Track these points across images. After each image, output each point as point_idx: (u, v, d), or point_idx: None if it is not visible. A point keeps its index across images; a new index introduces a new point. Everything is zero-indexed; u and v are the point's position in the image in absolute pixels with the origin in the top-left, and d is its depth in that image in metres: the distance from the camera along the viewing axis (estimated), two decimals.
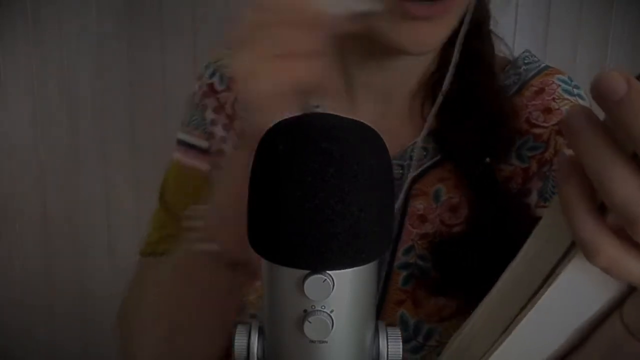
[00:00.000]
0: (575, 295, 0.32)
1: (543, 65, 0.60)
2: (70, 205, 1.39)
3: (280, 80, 0.36)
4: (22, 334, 1.45)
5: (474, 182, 0.56)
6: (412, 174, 0.57)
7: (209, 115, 0.62)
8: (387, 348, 0.30)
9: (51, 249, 1.41)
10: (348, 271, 0.27)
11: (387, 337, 0.30)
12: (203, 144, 0.63)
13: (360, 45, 0.56)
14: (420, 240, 0.57)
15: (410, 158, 0.58)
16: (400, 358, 0.30)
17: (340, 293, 0.27)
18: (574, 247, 0.30)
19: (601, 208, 0.26)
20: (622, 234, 0.26)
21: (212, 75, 0.64)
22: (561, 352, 0.36)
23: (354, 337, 0.28)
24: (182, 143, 0.65)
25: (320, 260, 0.26)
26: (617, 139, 0.24)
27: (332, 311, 0.27)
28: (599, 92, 0.24)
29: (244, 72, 0.36)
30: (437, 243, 0.56)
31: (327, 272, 0.26)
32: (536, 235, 0.33)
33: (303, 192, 0.25)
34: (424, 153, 0.58)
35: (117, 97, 1.34)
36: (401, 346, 0.30)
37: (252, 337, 0.29)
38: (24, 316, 1.44)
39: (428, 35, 0.49)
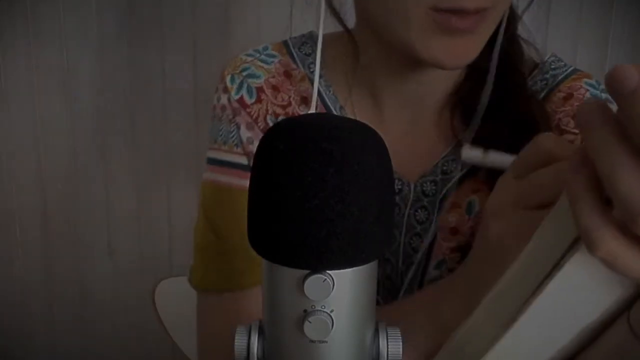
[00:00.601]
0: (578, 290, 0.32)
1: (570, 69, 0.59)
2: (70, 205, 1.39)
3: None
4: (22, 334, 1.45)
5: None
6: (446, 188, 0.56)
7: (244, 133, 0.58)
8: (387, 348, 0.30)
9: (51, 249, 1.41)
10: (348, 271, 0.27)
11: (387, 337, 0.30)
12: (243, 160, 0.59)
13: (389, 58, 0.55)
14: (452, 254, 0.56)
15: (443, 172, 0.57)
16: (400, 358, 0.30)
17: (340, 293, 0.27)
18: (578, 241, 0.30)
19: (608, 203, 0.27)
20: (626, 229, 0.26)
21: (240, 87, 0.59)
22: (567, 354, 0.36)
23: (354, 337, 0.28)
24: (220, 163, 0.59)
25: (320, 260, 0.26)
26: (627, 133, 0.24)
27: (332, 311, 0.27)
28: (611, 85, 0.24)
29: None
30: (467, 254, 0.55)
31: (327, 272, 0.26)
32: (542, 228, 0.33)
33: (303, 192, 0.25)
34: (454, 165, 0.57)
35: (117, 97, 1.33)
36: (401, 346, 0.30)
37: (252, 337, 0.29)
38: (24, 316, 1.44)
39: (464, 49, 0.47)
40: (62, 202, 1.39)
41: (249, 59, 0.61)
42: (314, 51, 0.60)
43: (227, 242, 0.58)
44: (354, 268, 0.27)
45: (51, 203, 1.39)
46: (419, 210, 0.58)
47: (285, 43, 0.63)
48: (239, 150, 0.59)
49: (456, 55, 0.48)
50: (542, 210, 0.36)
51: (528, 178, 0.38)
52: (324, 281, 0.26)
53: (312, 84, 0.58)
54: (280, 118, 0.58)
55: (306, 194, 0.25)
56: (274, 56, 0.61)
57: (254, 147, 0.58)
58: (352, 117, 0.58)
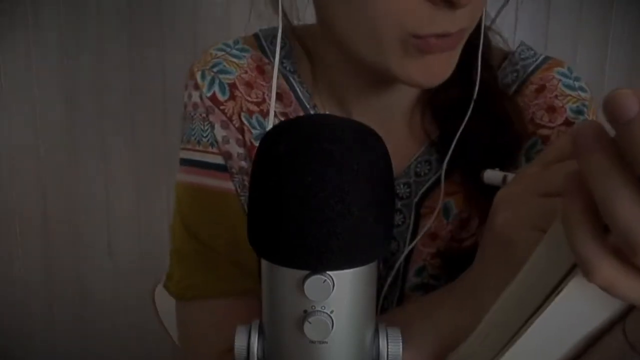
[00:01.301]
0: (576, 313, 0.32)
1: (541, 58, 0.57)
2: (70, 205, 1.39)
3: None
4: (22, 334, 1.45)
5: (484, 192, 0.50)
6: (421, 191, 0.55)
7: (219, 132, 0.56)
8: (387, 348, 0.30)
9: (51, 249, 1.41)
10: (348, 271, 0.27)
11: (387, 337, 0.30)
12: (219, 160, 0.56)
13: (356, 74, 0.53)
14: (432, 260, 0.55)
15: (416, 174, 0.55)
16: (400, 358, 0.30)
17: (340, 293, 0.27)
18: (576, 267, 0.30)
19: (603, 227, 0.26)
20: (622, 254, 0.25)
21: (212, 84, 0.56)
22: None
23: (354, 337, 0.28)
24: (194, 163, 0.57)
25: (320, 260, 0.26)
26: (626, 161, 0.24)
27: (332, 311, 0.27)
28: (610, 111, 0.23)
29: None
30: (448, 259, 0.54)
31: (327, 272, 0.26)
32: (539, 252, 0.32)
33: (303, 192, 0.25)
34: (428, 167, 0.55)
35: (117, 97, 1.33)
36: (401, 346, 0.30)
37: (252, 337, 0.29)
38: (24, 316, 1.44)
39: (441, 68, 0.47)
40: (62, 202, 1.39)
41: (220, 53, 0.58)
42: (287, 44, 0.58)
43: (209, 247, 0.55)
44: (354, 268, 0.27)
45: (51, 203, 1.39)
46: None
47: (256, 36, 0.60)
48: (215, 150, 0.56)
49: (434, 74, 0.47)
50: (556, 199, 0.35)
51: (556, 165, 0.37)
52: (324, 282, 0.26)
53: (286, 80, 0.56)
54: (255, 116, 0.56)
55: (306, 194, 0.25)
56: (245, 50, 0.58)
57: (230, 147, 0.56)
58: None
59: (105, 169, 1.37)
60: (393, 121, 0.57)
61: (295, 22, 0.60)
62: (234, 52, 0.58)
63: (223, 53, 0.58)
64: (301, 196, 0.25)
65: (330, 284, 0.26)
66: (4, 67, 1.33)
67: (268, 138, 0.28)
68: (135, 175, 1.37)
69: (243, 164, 0.56)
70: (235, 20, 1.25)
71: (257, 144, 0.52)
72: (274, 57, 0.55)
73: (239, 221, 0.55)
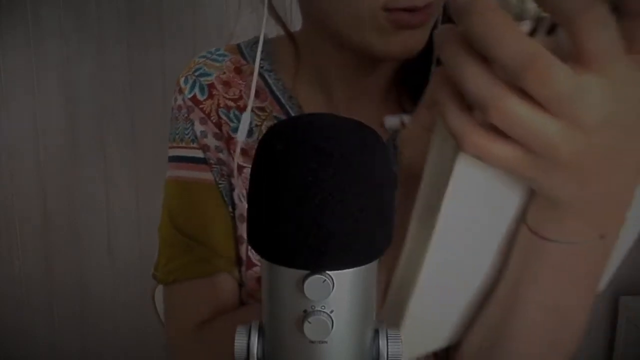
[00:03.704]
0: (476, 196, 0.34)
1: None
2: (70, 205, 1.39)
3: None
4: (22, 334, 1.45)
5: None
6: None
7: (198, 128, 0.61)
8: (387, 348, 0.30)
9: (51, 249, 1.41)
10: (348, 271, 0.27)
11: (387, 337, 0.30)
12: (199, 154, 0.61)
13: (338, 56, 0.57)
14: None
15: (395, 148, 0.57)
16: (400, 358, 0.30)
17: (340, 293, 0.27)
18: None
19: (469, 108, 0.31)
20: (489, 126, 0.30)
21: (193, 87, 0.62)
22: (492, 278, 0.40)
23: (354, 337, 0.28)
24: (178, 159, 0.62)
25: (320, 260, 0.26)
26: (470, 43, 0.29)
27: (332, 311, 0.27)
28: (450, 5, 0.29)
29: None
30: None
31: (327, 272, 0.26)
32: (431, 154, 0.35)
33: (303, 192, 0.25)
34: None
35: (117, 97, 1.33)
36: (401, 346, 0.30)
37: (252, 337, 0.29)
38: (24, 316, 1.44)
39: (416, 41, 0.51)
40: (62, 202, 1.39)
41: (201, 60, 0.64)
42: (264, 50, 0.63)
43: (187, 234, 0.60)
44: (354, 268, 0.27)
45: (51, 203, 1.39)
46: None
47: (238, 45, 0.66)
48: (195, 145, 0.61)
49: (410, 47, 0.51)
50: None
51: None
52: (323, 281, 0.26)
53: (262, 78, 0.62)
54: (232, 111, 0.61)
55: (306, 194, 0.25)
56: (225, 55, 0.64)
57: (207, 140, 0.61)
58: (301, 104, 0.61)
59: (105, 169, 1.38)
60: (373, 101, 0.61)
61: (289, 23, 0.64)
62: (215, 57, 0.64)
63: (204, 59, 0.64)
64: (300, 196, 0.25)
65: (330, 283, 0.26)
66: (4, 66, 1.33)
67: (267, 137, 0.28)
68: (135, 175, 1.37)
69: (220, 155, 0.61)
70: (236, 20, 1.25)
71: (234, 135, 0.59)
72: (253, 60, 0.62)
73: (217, 209, 0.60)
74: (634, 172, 0.33)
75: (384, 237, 0.28)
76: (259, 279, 0.60)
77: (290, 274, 0.27)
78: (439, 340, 0.47)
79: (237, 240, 0.61)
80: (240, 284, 0.62)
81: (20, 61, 1.32)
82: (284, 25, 0.63)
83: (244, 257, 0.60)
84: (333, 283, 0.26)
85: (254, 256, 0.60)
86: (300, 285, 0.26)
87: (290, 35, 0.62)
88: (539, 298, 0.39)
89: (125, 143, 1.36)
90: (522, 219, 0.36)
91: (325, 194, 0.25)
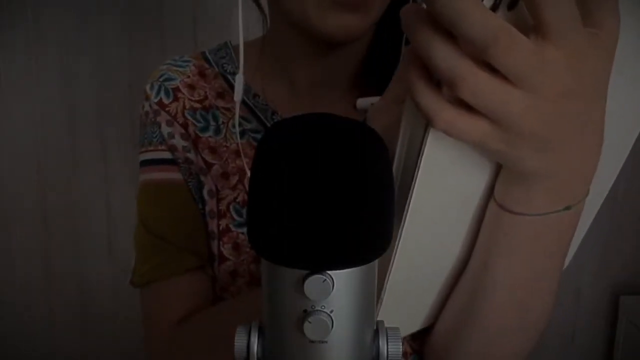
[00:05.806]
0: (444, 177, 0.35)
1: None
2: (70, 205, 1.39)
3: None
4: (22, 334, 1.45)
5: None
6: None
7: (165, 129, 0.62)
8: (387, 348, 0.30)
9: (51, 249, 1.41)
10: (348, 271, 0.27)
11: (387, 337, 0.30)
12: (167, 155, 0.62)
13: (298, 43, 0.59)
14: None
15: None
16: (400, 358, 0.30)
17: (340, 293, 0.27)
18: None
19: (438, 85, 0.31)
20: (457, 102, 0.30)
21: (159, 92, 0.64)
22: (464, 260, 0.41)
23: (354, 337, 0.28)
24: (147, 162, 0.63)
25: (320, 260, 0.26)
26: (435, 20, 0.29)
27: (332, 311, 0.27)
28: None
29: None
30: None
31: (327, 272, 0.26)
32: (402, 130, 0.36)
33: (302, 191, 0.25)
34: None
35: (117, 97, 1.33)
36: (401, 346, 0.30)
37: (252, 337, 0.29)
38: (24, 316, 1.44)
39: (357, 24, 0.52)
40: (62, 202, 1.39)
41: (165, 67, 0.66)
42: (227, 54, 0.66)
43: (158, 235, 0.61)
44: (354, 268, 0.27)
45: (51, 203, 1.39)
46: None
47: (202, 52, 0.68)
48: (163, 147, 0.62)
49: (348, 29, 0.52)
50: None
51: None
52: (323, 281, 0.26)
53: (226, 80, 0.64)
54: (198, 112, 0.62)
55: (305, 193, 0.25)
56: (189, 61, 0.66)
57: (175, 141, 0.62)
58: (267, 101, 0.63)
59: (105, 170, 1.38)
60: (341, 86, 0.62)
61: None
62: (179, 63, 0.66)
63: (168, 66, 0.66)
64: (300, 195, 0.25)
65: (330, 283, 0.26)
66: (4, 66, 1.33)
67: (267, 138, 0.28)
68: (135, 175, 1.37)
69: (188, 155, 0.62)
70: (235, 21, 1.25)
71: (201, 134, 0.61)
72: (217, 65, 0.65)
73: (187, 207, 0.62)
74: (596, 143, 0.34)
75: (384, 237, 0.28)
76: (232, 273, 0.60)
77: (290, 274, 0.27)
78: (416, 323, 0.47)
79: (208, 236, 0.61)
80: (214, 279, 0.62)
81: (20, 61, 1.32)
82: (259, 7, 0.65)
83: (215, 252, 0.61)
84: (333, 283, 0.26)
85: (226, 251, 0.60)
86: (300, 285, 0.26)
87: (260, 8, 0.65)
88: (508, 273, 0.40)
89: (125, 143, 1.36)
90: (490, 195, 0.37)
91: (324, 193, 0.25)
